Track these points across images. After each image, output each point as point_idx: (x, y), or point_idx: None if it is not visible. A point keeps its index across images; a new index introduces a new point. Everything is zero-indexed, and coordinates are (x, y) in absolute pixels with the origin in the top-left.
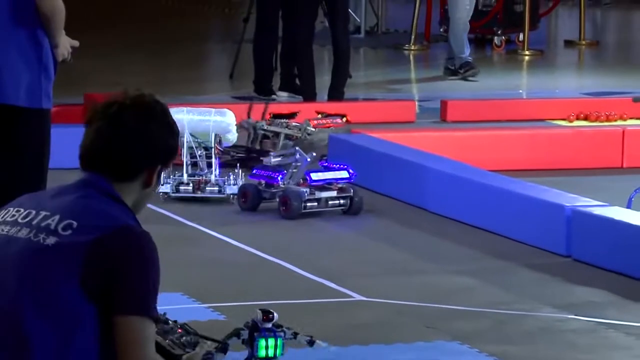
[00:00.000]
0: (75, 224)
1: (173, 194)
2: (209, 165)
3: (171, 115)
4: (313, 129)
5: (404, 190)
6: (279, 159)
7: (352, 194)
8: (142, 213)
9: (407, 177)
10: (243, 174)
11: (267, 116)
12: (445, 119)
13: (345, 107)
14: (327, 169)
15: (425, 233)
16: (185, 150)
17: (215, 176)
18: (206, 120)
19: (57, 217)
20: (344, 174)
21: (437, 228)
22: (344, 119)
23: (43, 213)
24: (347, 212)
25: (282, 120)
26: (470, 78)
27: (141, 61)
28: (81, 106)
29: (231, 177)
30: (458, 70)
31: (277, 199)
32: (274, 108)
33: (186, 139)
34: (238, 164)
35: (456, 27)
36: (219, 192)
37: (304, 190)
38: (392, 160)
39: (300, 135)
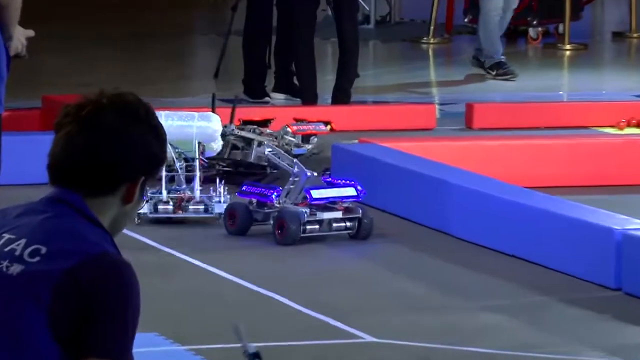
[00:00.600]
0: (43, 249)
1: (150, 215)
2: (188, 179)
3: (157, 118)
4: (292, 138)
5: (421, 211)
6: (270, 150)
7: (360, 215)
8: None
9: (425, 195)
10: (229, 190)
11: (237, 121)
12: (470, 126)
13: (352, 111)
14: (331, 185)
15: (448, 262)
16: None
17: (200, 193)
18: (188, 127)
19: (22, 242)
20: (350, 192)
21: (462, 256)
22: (329, 127)
23: (6, 236)
24: (354, 237)
25: (253, 127)
26: (501, 77)
27: (110, 58)
28: (39, 110)
29: (218, 194)
30: (488, 70)
31: (272, 221)
32: (244, 113)
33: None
34: (220, 179)
35: (487, 19)
36: (205, 211)
37: (303, 210)
38: (408, 175)
39: (277, 143)
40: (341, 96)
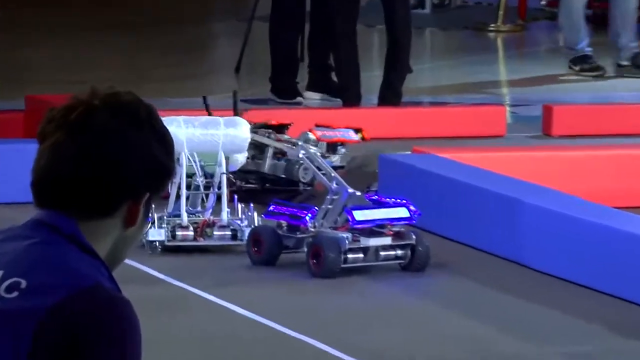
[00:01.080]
0: (23, 283)
1: (168, 242)
2: (204, 199)
3: (161, 121)
4: (314, 147)
5: (489, 236)
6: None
7: (413, 242)
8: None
9: (493, 218)
10: (255, 211)
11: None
12: (549, 133)
13: (404, 114)
14: (378, 205)
15: (521, 298)
16: (181, 179)
17: (228, 215)
18: (213, 135)
19: (0, 274)
20: (402, 213)
21: (538, 291)
22: (359, 135)
23: None
24: (407, 268)
25: (267, 131)
26: (586, 73)
27: (108, 50)
28: (22, 113)
29: (248, 217)
30: (571, 64)
31: (305, 248)
32: (261, 116)
33: (184, 161)
34: (243, 197)
35: (570, 2)
36: (233, 237)
37: (344, 235)
38: (471, 193)
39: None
40: (390, 96)
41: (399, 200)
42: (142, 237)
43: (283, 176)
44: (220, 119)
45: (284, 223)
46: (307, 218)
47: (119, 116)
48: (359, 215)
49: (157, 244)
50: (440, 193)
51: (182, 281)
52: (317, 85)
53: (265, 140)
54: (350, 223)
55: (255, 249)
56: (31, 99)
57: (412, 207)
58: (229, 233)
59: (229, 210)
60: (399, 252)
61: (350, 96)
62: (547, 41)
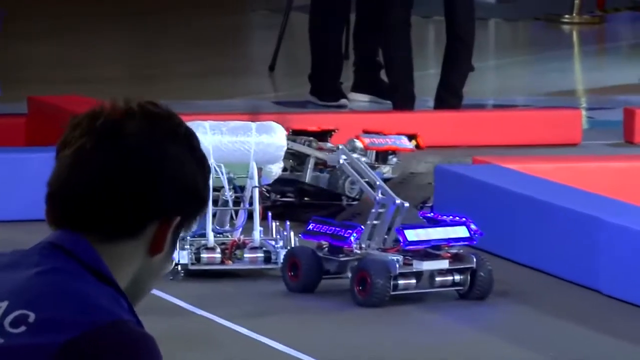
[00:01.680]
0: (32, 316)
1: (192, 266)
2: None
3: (200, 144)
4: (362, 156)
5: (560, 260)
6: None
7: (474, 266)
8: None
9: (566, 238)
10: (292, 230)
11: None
12: (631, 140)
13: (464, 118)
14: (434, 223)
15: (597, 330)
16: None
17: (260, 234)
18: (244, 143)
19: (4, 305)
20: (461, 232)
21: (617, 323)
22: (413, 142)
23: None
24: (466, 296)
25: (307, 138)
26: None
27: (120, 43)
28: (24, 117)
29: (283, 236)
30: None
31: (349, 273)
32: (298, 120)
33: (211, 173)
34: (280, 214)
35: None
36: (267, 260)
37: (394, 258)
38: (541, 209)
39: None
40: (449, 97)
41: (457, 218)
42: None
43: (326, 189)
44: (252, 125)
45: (324, 244)
46: (352, 238)
47: (157, 125)
48: (412, 235)
49: (180, 268)
50: (504, 209)
51: (209, 311)
52: (364, 85)
53: (304, 149)
54: (402, 244)
55: (292, 273)
56: (33, 101)
57: (472, 226)
58: (262, 255)
59: (261, 229)
60: (457, 277)
61: (402, 98)
62: (629, 35)
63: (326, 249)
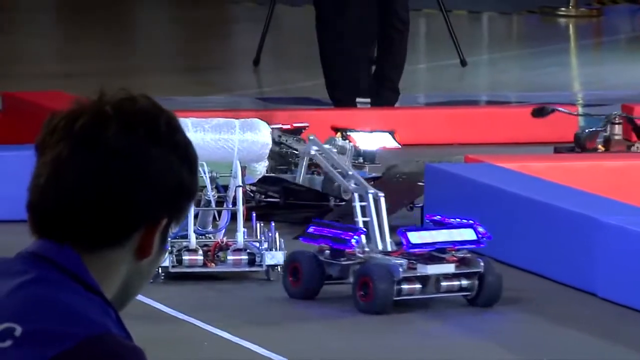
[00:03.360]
0: (18, 330)
1: (173, 269)
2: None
3: (182, 131)
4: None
5: (557, 262)
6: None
7: (481, 270)
8: None
9: (563, 239)
10: (277, 231)
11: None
12: (629, 138)
13: (455, 115)
14: (439, 225)
15: (596, 336)
16: None
17: (244, 236)
18: (227, 141)
19: None
20: (467, 235)
21: (614, 326)
22: (393, 137)
23: None
24: (473, 302)
25: (295, 137)
26: None
27: (99, 37)
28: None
29: (269, 238)
30: None
31: (352, 278)
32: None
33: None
34: (266, 215)
35: None
36: (251, 263)
37: (398, 262)
38: (536, 210)
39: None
40: (385, 92)
41: (464, 220)
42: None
43: (313, 189)
44: (236, 122)
45: (326, 247)
46: (354, 241)
47: (135, 129)
48: (415, 237)
49: (160, 271)
50: (498, 210)
51: (191, 315)
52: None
53: (297, 146)
54: (405, 247)
55: (293, 279)
56: (8, 97)
57: (480, 229)
58: (246, 257)
59: (245, 230)
60: (465, 282)
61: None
62: (627, 28)
63: (328, 252)
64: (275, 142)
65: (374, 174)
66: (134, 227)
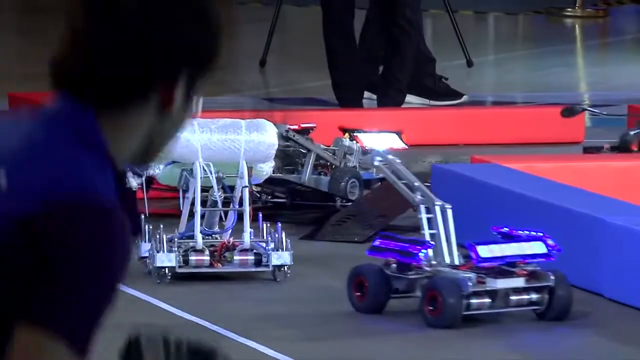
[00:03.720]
0: (3, 178)
1: (179, 269)
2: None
3: (212, 6)
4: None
5: (562, 262)
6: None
7: (552, 284)
8: None
9: (567, 239)
10: (283, 232)
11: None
12: None
13: (462, 115)
14: (508, 237)
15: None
16: (196, 194)
17: (251, 236)
18: (234, 141)
19: None
20: (537, 248)
21: (623, 326)
22: (400, 137)
23: None
24: (543, 316)
25: (304, 136)
26: None
27: None
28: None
29: (275, 239)
30: None
31: (419, 292)
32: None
33: (199, 173)
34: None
35: None
36: (257, 263)
37: (467, 276)
38: (542, 210)
39: (337, 162)
40: (392, 93)
41: (533, 233)
42: (149, 263)
43: (318, 189)
44: (242, 122)
45: (392, 261)
46: (421, 255)
47: None
48: (484, 250)
49: (167, 271)
50: (504, 210)
51: (197, 315)
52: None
53: (308, 145)
54: (474, 260)
55: (359, 293)
56: (15, 98)
57: (549, 241)
58: (252, 258)
59: (252, 230)
60: (534, 296)
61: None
62: (634, 29)
63: (394, 266)
64: (282, 137)
65: (380, 175)
66: (150, 82)
